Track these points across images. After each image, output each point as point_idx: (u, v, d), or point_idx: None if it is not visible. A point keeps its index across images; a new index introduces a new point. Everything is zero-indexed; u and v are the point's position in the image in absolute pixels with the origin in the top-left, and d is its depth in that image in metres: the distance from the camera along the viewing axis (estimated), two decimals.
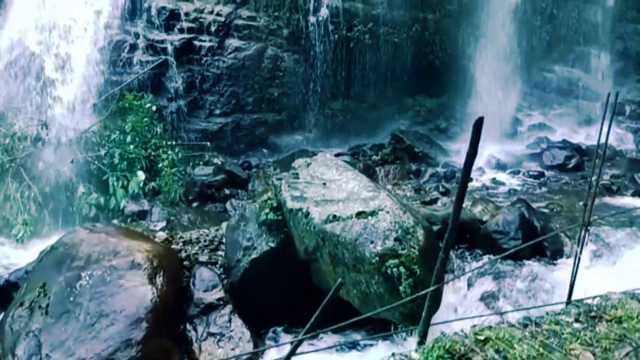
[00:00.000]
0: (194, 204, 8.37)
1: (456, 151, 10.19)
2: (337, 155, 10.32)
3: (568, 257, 5.13)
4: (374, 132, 11.38)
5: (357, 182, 5.43)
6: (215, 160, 9.65)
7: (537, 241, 5.01)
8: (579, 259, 2.46)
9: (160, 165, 8.41)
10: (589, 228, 2.87)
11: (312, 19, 10.67)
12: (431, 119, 11.79)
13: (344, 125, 11.33)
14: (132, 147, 8.38)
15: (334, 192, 5.31)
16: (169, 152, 8.69)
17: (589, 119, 11.08)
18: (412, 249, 4.55)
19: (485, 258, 5.61)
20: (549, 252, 5.47)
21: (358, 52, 11.11)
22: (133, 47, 9.78)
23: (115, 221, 7.53)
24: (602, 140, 3.04)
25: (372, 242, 4.53)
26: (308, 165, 5.88)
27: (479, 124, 2.07)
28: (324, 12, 10.67)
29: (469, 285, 5.25)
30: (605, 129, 3.10)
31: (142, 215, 7.76)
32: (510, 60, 11.40)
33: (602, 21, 11.69)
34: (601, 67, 11.79)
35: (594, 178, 3.46)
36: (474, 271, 4.99)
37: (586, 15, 11.72)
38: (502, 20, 11.36)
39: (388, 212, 4.78)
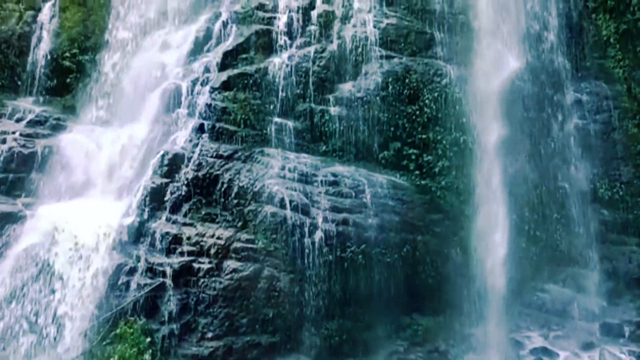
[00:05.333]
0: None
1: None
2: None
3: None
4: (371, 353, 11.00)
5: None
6: None
7: None
8: None
9: None
10: None
11: (307, 241, 11.16)
12: (430, 340, 11.47)
13: (340, 346, 10.98)
14: None
15: None
16: None
17: (590, 343, 10.83)
18: None
19: None
20: None
21: (352, 272, 11.33)
22: (133, 270, 10.06)
23: None
24: None
25: None
26: None
27: None
28: (318, 235, 11.22)
29: None
30: None
31: None
32: (501, 280, 11.62)
33: (585, 243, 12.28)
34: (592, 287, 11.99)
35: None
36: None
37: (568, 238, 12.35)
38: (488, 234, 11.93)
39: None
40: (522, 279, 11.89)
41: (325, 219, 11.28)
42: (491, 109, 11.95)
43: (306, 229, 11.13)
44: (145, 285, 9.89)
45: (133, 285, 9.83)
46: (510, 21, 12.81)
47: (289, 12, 12.81)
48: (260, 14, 12.98)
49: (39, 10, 13.12)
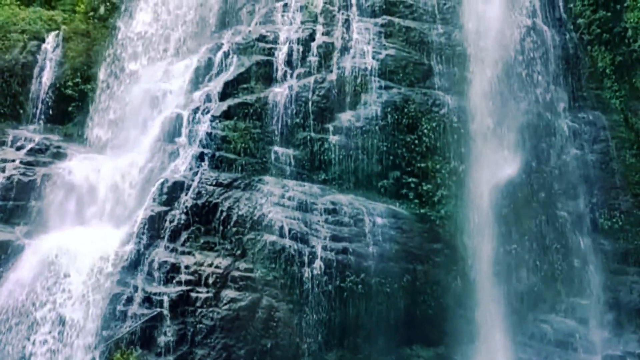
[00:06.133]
0: None
1: None
2: None
3: None
4: None
5: None
6: None
7: None
8: None
9: None
10: None
11: (306, 270, 11.08)
12: None
13: None
14: None
15: None
16: None
17: None
18: None
19: None
20: None
21: (352, 302, 11.22)
22: (129, 300, 9.96)
23: None
24: None
25: None
26: None
27: None
28: (318, 264, 11.15)
29: None
30: None
31: None
32: (502, 309, 11.52)
33: (586, 274, 12.17)
34: (594, 318, 11.83)
35: None
36: None
37: (569, 268, 12.25)
38: (486, 262, 11.86)
39: None
40: (523, 309, 11.77)
41: (324, 248, 11.22)
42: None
43: (305, 258, 11.06)
44: (142, 315, 9.78)
45: (129, 316, 9.71)
46: (511, 118, 12.57)
47: (290, 43, 13.02)
48: (261, 45, 13.19)
49: (43, 40, 13.33)
